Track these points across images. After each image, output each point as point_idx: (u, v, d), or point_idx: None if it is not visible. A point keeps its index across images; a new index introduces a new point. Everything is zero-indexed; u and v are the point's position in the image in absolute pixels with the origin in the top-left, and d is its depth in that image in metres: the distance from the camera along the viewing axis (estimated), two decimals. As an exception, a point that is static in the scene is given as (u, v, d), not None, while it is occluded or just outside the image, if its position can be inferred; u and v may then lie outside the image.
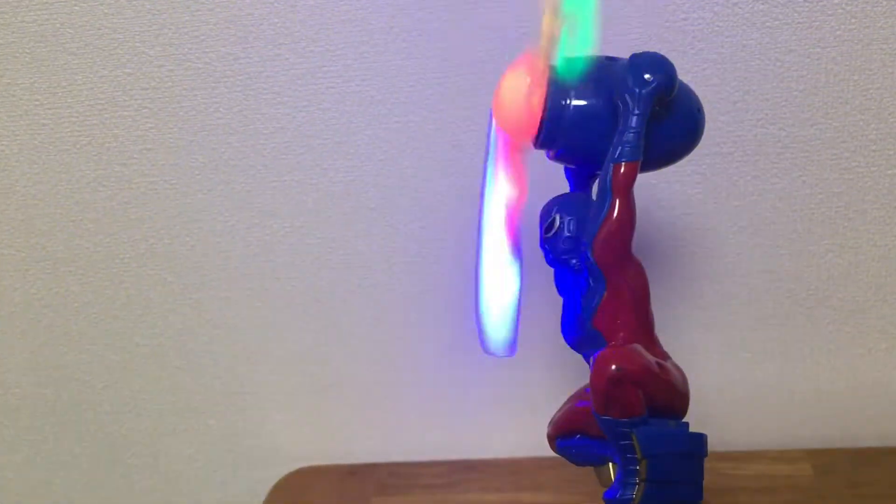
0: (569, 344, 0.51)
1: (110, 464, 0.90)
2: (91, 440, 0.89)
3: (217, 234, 0.80)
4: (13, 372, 0.86)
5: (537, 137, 0.49)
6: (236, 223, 0.79)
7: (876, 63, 0.71)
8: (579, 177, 0.52)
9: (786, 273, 0.78)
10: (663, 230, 0.77)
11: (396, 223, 0.78)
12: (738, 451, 0.82)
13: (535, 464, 0.81)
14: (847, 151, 0.74)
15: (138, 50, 0.73)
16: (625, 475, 0.48)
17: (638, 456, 0.47)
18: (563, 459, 0.54)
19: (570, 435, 0.52)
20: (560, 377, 0.82)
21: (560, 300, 0.52)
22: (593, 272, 0.48)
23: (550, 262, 0.51)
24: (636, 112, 0.46)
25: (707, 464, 0.50)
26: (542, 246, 0.51)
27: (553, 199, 0.51)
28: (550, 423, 0.53)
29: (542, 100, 0.48)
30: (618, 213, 0.47)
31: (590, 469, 0.54)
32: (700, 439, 0.49)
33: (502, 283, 0.50)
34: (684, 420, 0.49)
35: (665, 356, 0.49)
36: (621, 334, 0.49)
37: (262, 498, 0.84)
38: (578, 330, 0.50)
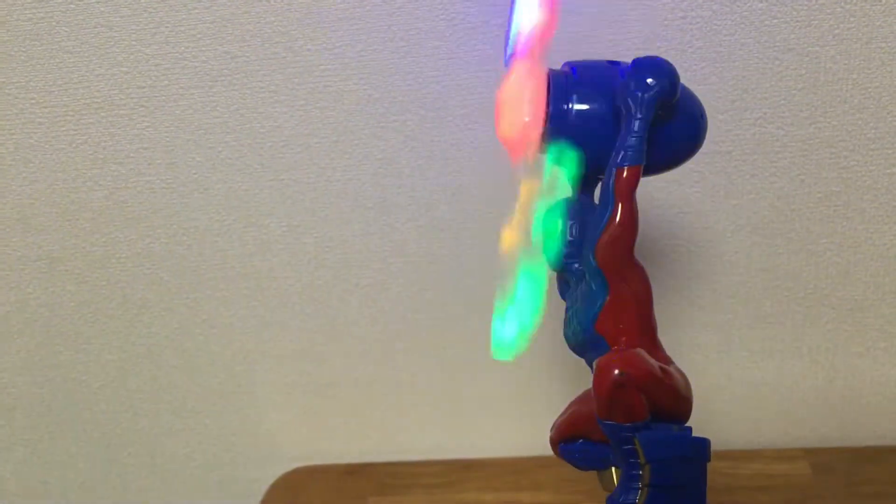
0: (571, 348, 0.51)
1: (107, 463, 0.90)
2: (87, 440, 0.89)
3: (214, 233, 0.79)
4: (9, 371, 0.86)
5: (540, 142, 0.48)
6: (233, 222, 0.79)
7: (875, 62, 0.71)
8: (582, 181, 0.52)
9: (784, 272, 0.78)
10: (661, 229, 0.77)
11: (394, 222, 0.78)
12: (737, 449, 0.82)
13: (534, 463, 0.81)
14: (846, 150, 0.73)
15: (134, 48, 0.73)
16: (628, 480, 0.48)
17: (641, 461, 0.47)
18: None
19: (573, 439, 0.52)
20: (558, 376, 0.82)
21: (562, 303, 0.52)
22: (596, 276, 0.48)
23: (552, 266, 0.51)
24: (639, 116, 0.46)
25: (706, 464, 0.50)
26: (543, 250, 0.51)
27: (555, 202, 0.51)
28: (553, 427, 0.53)
29: (545, 104, 0.47)
30: (620, 218, 0.47)
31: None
32: (703, 444, 0.49)
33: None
34: (687, 424, 0.49)
35: (668, 360, 0.49)
36: (624, 339, 0.48)
37: (260, 498, 0.84)
38: (580, 334, 0.49)
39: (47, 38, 0.73)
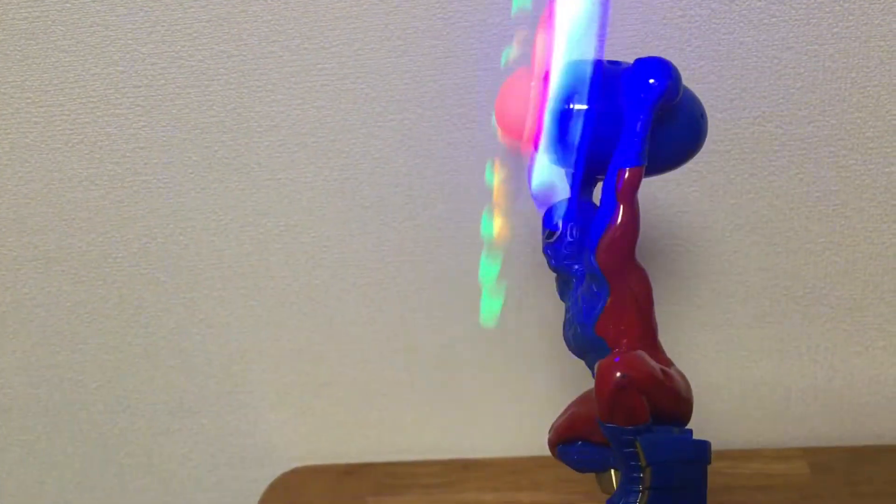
0: (571, 350, 0.51)
1: (104, 463, 0.90)
2: (84, 440, 0.89)
3: (210, 232, 0.79)
4: (5, 371, 0.86)
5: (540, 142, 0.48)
6: (230, 222, 0.79)
7: (874, 60, 0.70)
8: (582, 182, 0.51)
9: (783, 271, 0.78)
10: (659, 228, 0.77)
11: (391, 221, 0.78)
12: (735, 449, 0.82)
13: (533, 463, 0.81)
14: (844, 149, 0.73)
15: (131, 47, 0.73)
16: (628, 482, 0.47)
17: (642, 463, 0.47)
18: (561, 460, 0.53)
19: (571, 441, 0.52)
20: (558, 376, 0.82)
21: (562, 304, 0.52)
22: (596, 278, 0.48)
23: (553, 267, 0.51)
24: (640, 117, 0.46)
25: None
26: (544, 251, 0.51)
27: (556, 203, 0.51)
28: (551, 428, 0.53)
29: (545, 104, 0.47)
30: (622, 219, 0.47)
31: (589, 470, 0.53)
32: (704, 446, 0.49)
33: None
34: (688, 427, 0.49)
35: (669, 363, 0.49)
36: (624, 341, 0.48)
37: (257, 498, 0.84)
38: (581, 336, 0.49)
39: (43, 37, 0.73)
